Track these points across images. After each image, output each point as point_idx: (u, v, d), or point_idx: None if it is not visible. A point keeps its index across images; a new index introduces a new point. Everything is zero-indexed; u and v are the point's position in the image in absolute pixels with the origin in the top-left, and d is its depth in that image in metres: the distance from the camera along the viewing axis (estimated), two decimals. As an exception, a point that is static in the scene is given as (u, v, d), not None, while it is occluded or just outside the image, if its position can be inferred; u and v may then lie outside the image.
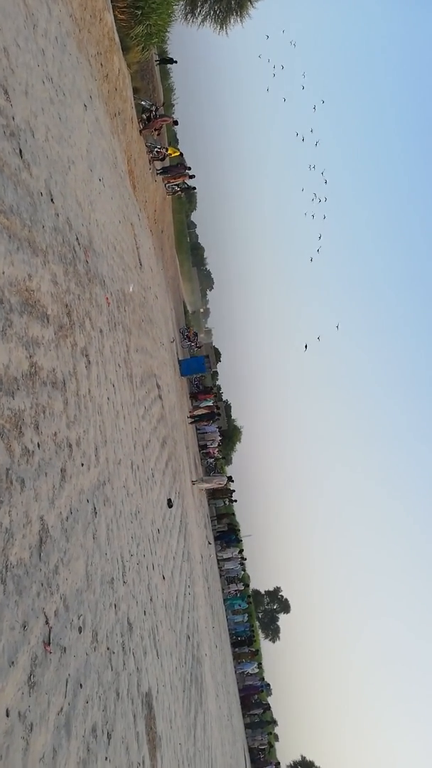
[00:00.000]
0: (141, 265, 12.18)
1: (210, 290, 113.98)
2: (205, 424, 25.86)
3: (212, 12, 29.06)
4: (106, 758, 3.37)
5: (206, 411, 24.91)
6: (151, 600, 6.19)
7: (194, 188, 24.83)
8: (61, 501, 3.54)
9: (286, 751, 55.21)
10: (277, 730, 45.65)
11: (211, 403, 25.43)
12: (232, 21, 29.18)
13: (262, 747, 32.19)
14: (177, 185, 22.85)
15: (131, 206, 12.74)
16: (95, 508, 4.28)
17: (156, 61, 21.35)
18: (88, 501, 4.12)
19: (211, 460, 29.60)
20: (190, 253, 75.50)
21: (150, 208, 18.46)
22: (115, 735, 3.65)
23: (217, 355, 55.98)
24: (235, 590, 31.45)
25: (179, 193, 24.61)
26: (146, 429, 8.12)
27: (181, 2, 27.12)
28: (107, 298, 6.58)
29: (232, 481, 33.04)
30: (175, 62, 26.27)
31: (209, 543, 23.91)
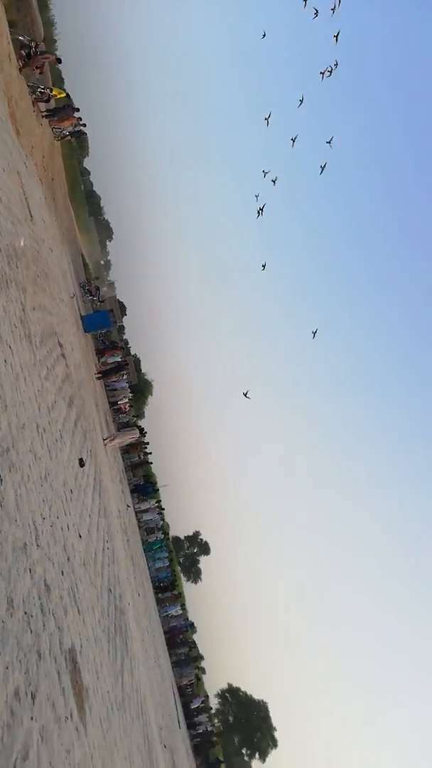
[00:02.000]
0: (32, 216, 11.53)
1: (110, 241, 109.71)
2: (115, 380, 25.58)
3: None
4: (32, 718, 3.43)
5: (114, 366, 24.61)
6: (68, 560, 6.21)
7: (85, 132, 23.55)
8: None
9: (213, 682, 58.55)
10: (203, 664, 48.07)
11: (119, 359, 25.11)
12: None
13: (190, 682, 33.94)
14: (66, 129, 21.57)
15: (15, 153, 11.91)
16: (0, 476, 4.17)
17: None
18: (-8, 469, 4.01)
19: (124, 415, 29.50)
20: (86, 201, 72.09)
21: (37, 154, 17.35)
22: (39, 694, 3.70)
23: (122, 308, 54.85)
24: (155, 538, 32.15)
25: (69, 137, 23.28)
26: (51, 390, 7.91)
27: None
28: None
29: (144, 434, 33.19)
30: None
31: (128, 506, 24.11)
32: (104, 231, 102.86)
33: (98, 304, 29.66)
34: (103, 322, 22.78)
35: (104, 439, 18.11)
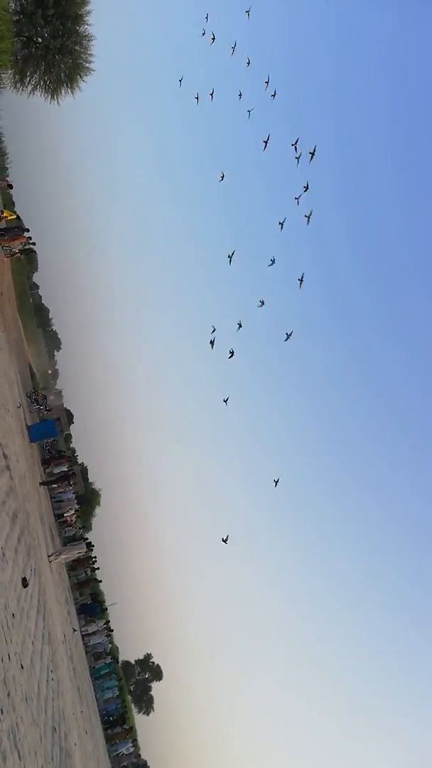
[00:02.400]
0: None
1: (58, 351, 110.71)
2: (61, 490, 24.76)
3: (42, 82, 29.68)
4: None
5: (60, 476, 23.92)
6: (8, 695, 5.68)
7: (34, 250, 24.50)
8: None
9: None
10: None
11: (65, 468, 24.47)
12: (63, 92, 30.04)
13: None
14: (15, 247, 22.39)
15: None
16: None
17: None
18: None
19: (70, 528, 28.21)
20: (34, 314, 73.38)
21: (-13, 271, 17.84)
22: None
23: (69, 416, 54.40)
24: (103, 663, 29.69)
25: (18, 255, 24.11)
26: (-6, 505, 7.60)
27: (9, 71, 27.35)
28: None
29: (92, 547, 31.71)
30: None
31: (74, 630, 22.53)
32: (52, 341, 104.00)
33: (45, 413, 29.31)
34: (50, 431, 22.45)
35: (49, 556, 17.19)
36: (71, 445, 50.69)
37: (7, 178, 27.50)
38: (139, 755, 34.41)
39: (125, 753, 29.32)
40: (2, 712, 5.18)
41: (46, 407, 29.26)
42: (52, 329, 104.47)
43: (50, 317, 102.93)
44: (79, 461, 50.66)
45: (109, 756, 27.30)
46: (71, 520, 28.27)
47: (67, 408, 52.45)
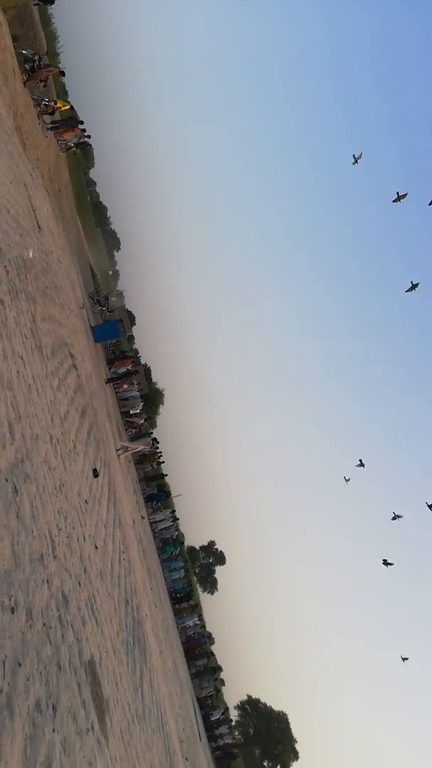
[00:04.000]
0: (39, 228, 11.60)
1: (117, 251, 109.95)
2: (126, 389, 25.58)
3: None
4: (54, 730, 3.38)
5: (124, 374, 24.62)
6: (85, 571, 6.17)
7: (89, 143, 23.73)
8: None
9: (233, 694, 58.03)
10: (222, 675, 47.63)
11: (129, 368, 25.13)
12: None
13: (210, 694, 33.65)
14: (71, 141, 21.73)
15: (22, 165, 12.01)
16: (16, 487, 4.15)
17: (34, 2, 19.74)
18: (6, 480, 3.98)
19: (135, 430, 29.42)
20: (93, 212, 72.54)
21: (43, 166, 17.51)
22: (60, 706, 3.66)
23: (131, 318, 55.10)
24: (171, 553, 31.98)
25: (74, 149, 23.45)
26: (63, 401, 7.90)
27: None
28: (5, 266, 6.23)
29: (157, 443, 33.14)
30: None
31: (143, 517, 24.07)
32: (111, 241, 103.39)
33: (107, 314, 29.75)
34: (113, 331, 22.85)
35: (117, 450, 18.10)
36: (134, 346, 51.78)
37: (59, 65, 26.17)
38: (204, 628, 37.75)
39: (191, 625, 32.23)
40: (80, 585, 5.65)
41: (108, 308, 29.63)
42: (110, 228, 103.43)
43: (108, 216, 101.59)
44: (142, 362, 51.95)
45: (177, 627, 30.06)
46: (137, 421, 29.40)
47: (129, 309, 52.96)
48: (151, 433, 37.88)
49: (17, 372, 5.38)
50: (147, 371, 52.34)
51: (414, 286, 27.76)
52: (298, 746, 58.26)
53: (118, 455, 18.09)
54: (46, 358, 7.31)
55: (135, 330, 57.82)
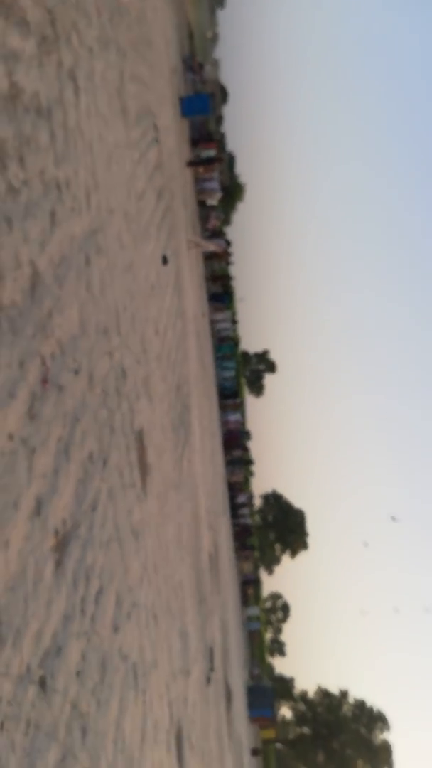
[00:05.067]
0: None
1: (221, 8, 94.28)
2: (206, 176, 24.14)
3: None
4: (102, 479, 3.79)
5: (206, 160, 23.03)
6: (144, 351, 6.44)
7: None
8: (52, 247, 3.37)
9: (259, 487, 64.48)
10: (253, 468, 52.33)
11: (214, 153, 23.39)
12: None
13: (239, 481, 37.50)
14: None
15: None
16: (87, 257, 4.13)
17: None
18: (80, 249, 3.95)
19: (208, 233, 28.31)
20: None
21: None
22: (109, 462, 4.07)
23: (224, 94, 49.84)
24: (225, 353, 33.10)
25: None
26: (141, 177, 7.53)
27: None
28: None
29: (230, 246, 32.29)
30: None
31: (203, 314, 24.40)
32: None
33: (199, 85, 26.88)
34: (203, 106, 20.74)
35: (188, 241, 17.76)
36: (221, 129, 47.67)
37: None
38: (244, 425, 40.70)
39: (233, 420, 34.73)
40: (139, 363, 5.95)
41: (201, 78, 26.72)
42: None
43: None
44: (228, 149, 48.18)
45: (220, 420, 32.46)
46: (214, 225, 28.20)
47: (222, 84, 47.50)
48: (226, 233, 36.75)
49: (99, 135, 5.03)
50: (231, 160, 48.74)
51: None
52: (309, 540, 66.05)
53: (188, 248, 17.83)
54: (129, 125, 6.80)
55: (226, 110, 52.70)
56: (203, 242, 21.63)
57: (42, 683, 2.49)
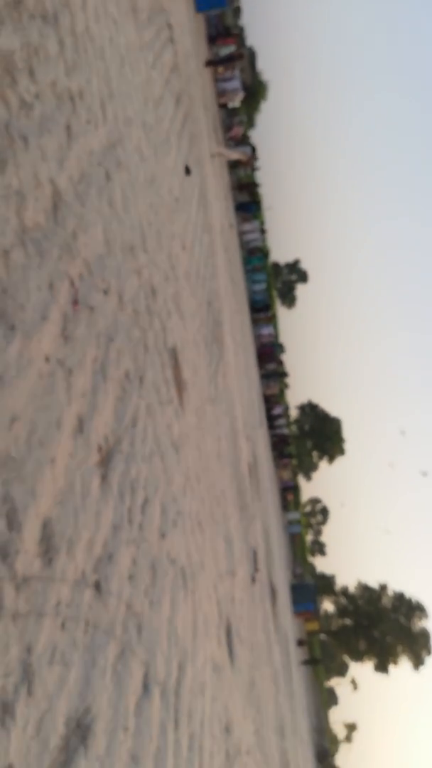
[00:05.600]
0: None
1: None
2: (226, 75, 22.66)
3: None
4: (140, 396, 3.89)
5: (225, 58, 21.55)
6: (172, 268, 6.37)
7: None
8: (71, 163, 3.28)
9: (295, 399, 65.07)
10: (288, 381, 52.48)
11: (233, 50, 21.82)
12: None
13: (274, 393, 37.82)
14: None
15: None
16: (108, 172, 4.02)
17: None
18: (99, 164, 3.83)
19: (233, 142, 26.83)
20: None
21: None
22: (146, 380, 4.15)
23: (240, -16, 45.64)
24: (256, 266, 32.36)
25: None
26: (157, 81, 7.13)
27: None
28: None
29: (255, 152, 30.71)
30: None
31: (231, 225, 23.61)
32: None
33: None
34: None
35: (211, 155, 16.96)
36: (240, 22, 44.04)
37: None
38: (277, 338, 40.48)
39: (266, 334, 34.55)
40: (167, 281, 5.90)
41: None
42: None
43: None
44: (248, 43, 44.67)
45: (253, 334, 32.31)
46: (237, 135, 26.68)
47: (239, -28, 43.38)
48: (250, 137, 34.83)
49: (110, 39, 4.74)
50: (252, 56, 45.29)
51: None
52: (345, 446, 67.19)
53: (212, 157, 17.07)
54: (141, 24, 6.35)
55: (243, 0, 48.43)
56: (227, 151, 20.65)
57: (97, 587, 2.70)
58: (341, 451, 66.97)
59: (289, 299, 71.12)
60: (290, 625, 28.39)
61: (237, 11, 41.69)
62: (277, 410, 38.99)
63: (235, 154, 21.70)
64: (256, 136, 43.93)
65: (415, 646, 54.48)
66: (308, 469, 69.54)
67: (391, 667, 56.16)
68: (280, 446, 41.28)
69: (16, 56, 2.88)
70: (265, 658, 10.97)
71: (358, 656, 57.84)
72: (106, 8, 4.82)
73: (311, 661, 43.99)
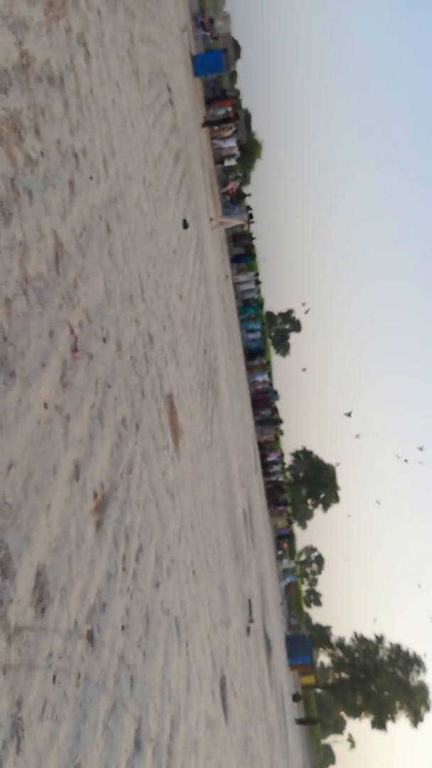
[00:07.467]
0: None
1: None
2: (223, 135, 23.61)
3: None
4: (136, 442, 3.91)
5: (222, 118, 22.50)
6: (169, 317, 6.49)
7: None
8: (73, 216, 3.41)
9: (289, 445, 64.82)
10: (282, 427, 52.46)
11: (228, 110, 22.79)
12: None
13: (269, 440, 37.71)
14: None
15: None
16: (109, 226, 4.16)
17: None
18: (100, 218, 3.97)
19: (228, 197, 27.68)
20: None
21: None
22: (142, 426, 4.17)
23: (237, 49, 48.19)
24: (250, 315, 32.83)
25: None
26: (157, 140, 7.44)
27: None
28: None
29: (252, 217, 31.47)
30: None
31: (226, 276, 24.12)
32: None
33: (211, 41, 26.04)
34: (215, 64, 20.17)
35: (211, 221, 17.26)
36: (236, 86, 46.21)
37: None
38: (272, 385, 40.66)
39: (261, 381, 34.74)
40: (165, 329, 6.00)
41: (212, 34, 25.85)
42: None
43: None
44: (243, 106, 46.82)
45: (247, 381, 32.51)
46: (233, 189, 27.55)
47: (234, 38, 45.82)
48: (246, 195, 35.93)
49: (112, 100, 4.99)
50: (247, 118, 47.40)
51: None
52: (340, 493, 66.57)
53: (212, 227, 17.40)
54: (142, 88, 6.69)
55: (239, 65, 51.01)
56: (226, 220, 21.14)
57: (90, 637, 2.65)
58: (336, 499, 66.32)
59: (283, 347, 71.88)
60: (286, 679, 27.42)
61: (233, 75, 43.78)
62: (272, 457, 38.79)
63: (234, 222, 22.27)
64: (250, 190, 45.41)
65: (412, 702, 52.49)
66: (303, 517, 68.65)
67: (389, 724, 53.94)
68: (275, 493, 40.84)
69: (23, 115, 3.03)
70: (261, 713, 10.56)
71: (355, 712, 55.59)
72: (109, 72, 5.09)
73: (308, 721, 42.25)
